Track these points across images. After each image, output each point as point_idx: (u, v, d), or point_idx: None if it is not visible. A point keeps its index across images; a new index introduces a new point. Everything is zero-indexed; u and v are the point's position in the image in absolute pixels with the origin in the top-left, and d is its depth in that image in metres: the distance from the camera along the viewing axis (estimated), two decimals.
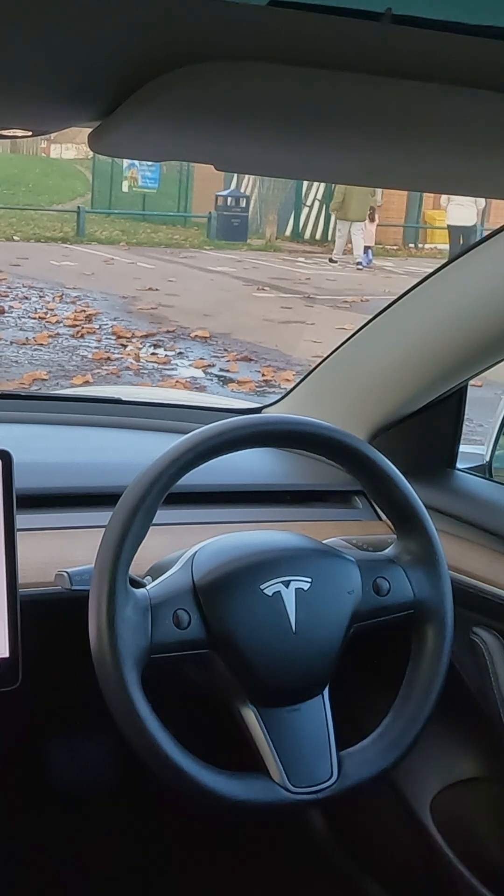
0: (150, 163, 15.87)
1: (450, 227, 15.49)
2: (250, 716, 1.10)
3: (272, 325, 8.95)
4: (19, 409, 1.67)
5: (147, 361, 7.22)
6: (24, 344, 7.55)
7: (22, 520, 1.17)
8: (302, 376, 1.72)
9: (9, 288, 10.28)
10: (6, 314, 8.81)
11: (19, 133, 0.82)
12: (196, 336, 8.19)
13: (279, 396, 1.77)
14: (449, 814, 1.46)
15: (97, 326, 8.42)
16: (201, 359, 7.41)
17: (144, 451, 1.16)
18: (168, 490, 1.08)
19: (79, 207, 16.94)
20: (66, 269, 12.08)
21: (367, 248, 15.51)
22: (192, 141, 0.77)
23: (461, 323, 1.39)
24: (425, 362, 1.45)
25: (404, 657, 1.18)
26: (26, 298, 9.70)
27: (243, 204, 17.06)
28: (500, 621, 1.33)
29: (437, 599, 1.18)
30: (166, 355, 7.47)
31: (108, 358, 7.24)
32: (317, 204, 18.31)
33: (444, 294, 1.41)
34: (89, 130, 0.74)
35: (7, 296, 9.83)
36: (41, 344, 7.57)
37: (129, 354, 7.42)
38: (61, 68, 0.61)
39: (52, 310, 9.13)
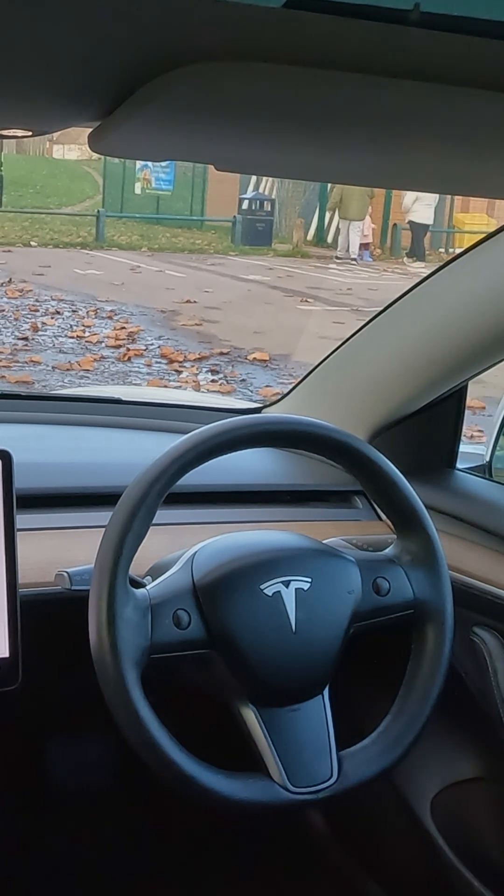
0: (164, 164, 15.46)
1: (413, 224, 15.54)
2: (250, 716, 1.10)
3: (331, 344, 8.01)
4: (19, 409, 1.67)
5: (210, 391, 6.33)
6: (67, 370, 6.77)
7: (22, 520, 1.17)
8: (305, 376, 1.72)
9: (37, 301, 9.50)
10: (40, 332, 8.04)
11: (19, 133, 0.82)
12: (255, 359, 7.42)
13: (280, 396, 1.77)
14: (449, 814, 1.46)
15: (143, 348, 7.63)
16: (268, 386, 6.65)
17: (144, 451, 1.16)
18: (168, 490, 1.08)
19: (98, 211, 16.45)
20: (91, 278, 11.43)
21: (363, 246, 15.44)
22: (193, 141, 0.77)
23: (461, 323, 1.39)
24: (425, 362, 1.45)
25: (404, 657, 1.18)
26: (58, 313, 8.95)
27: (268, 207, 16.46)
28: (500, 621, 1.33)
29: (437, 599, 1.18)
30: (229, 383, 6.71)
31: (166, 387, 6.39)
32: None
33: (444, 294, 1.41)
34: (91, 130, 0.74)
35: (37, 310, 9.04)
36: (87, 370, 6.81)
37: (186, 382, 6.68)
38: (61, 68, 0.61)
39: (89, 327, 8.38)
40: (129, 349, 7.51)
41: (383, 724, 1.16)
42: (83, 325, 8.42)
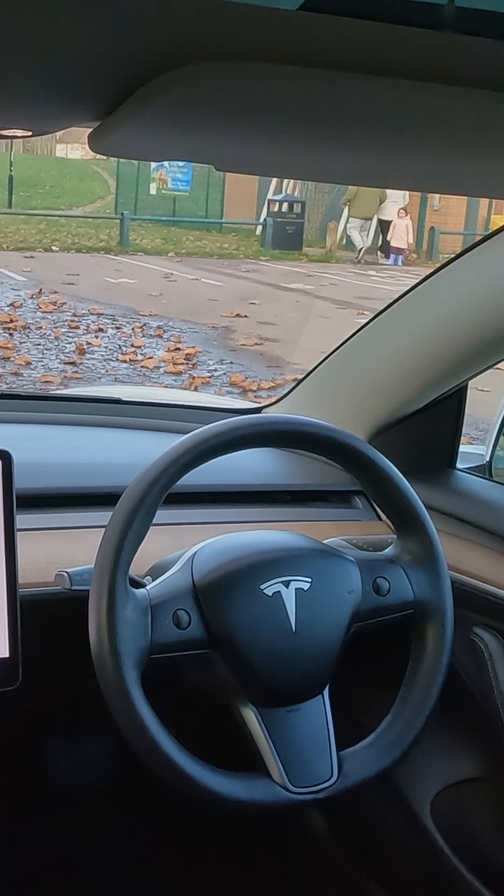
0: (181, 163, 14.98)
1: (382, 223, 15.38)
2: (250, 716, 1.10)
3: None
4: (19, 409, 1.67)
5: None
6: None
7: (22, 520, 1.17)
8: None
9: (75, 316, 8.67)
10: (87, 354, 7.22)
11: (19, 133, 0.82)
12: None
13: (279, 396, 1.77)
14: (449, 814, 1.46)
15: (208, 375, 6.83)
16: None
17: (144, 451, 1.16)
18: (168, 490, 1.08)
19: (122, 213, 15.79)
20: (125, 287, 10.71)
21: (397, 251, 15.02)
22: (193, 141, 0.77)
23: (461, 323, 1.39)
24: (425, 362, 1.45)
25: (404, 657, 1.18)
26: (101, 331, 8.11)
27: (297, 210, 15.81)
28: (500, 621, 1.33)
29: (437, 599, 1.18)
30: None
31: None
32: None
33: (444, 294, 1.41)
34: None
35: (78, 327, 8.19)
36: None
37: None
38: (61, 68, 0.61)
39: (139, 347, 7.54)
40: (193, 377, 6.74)
41: (383, 724, 1.16)
42: (133, 346, 7.63)
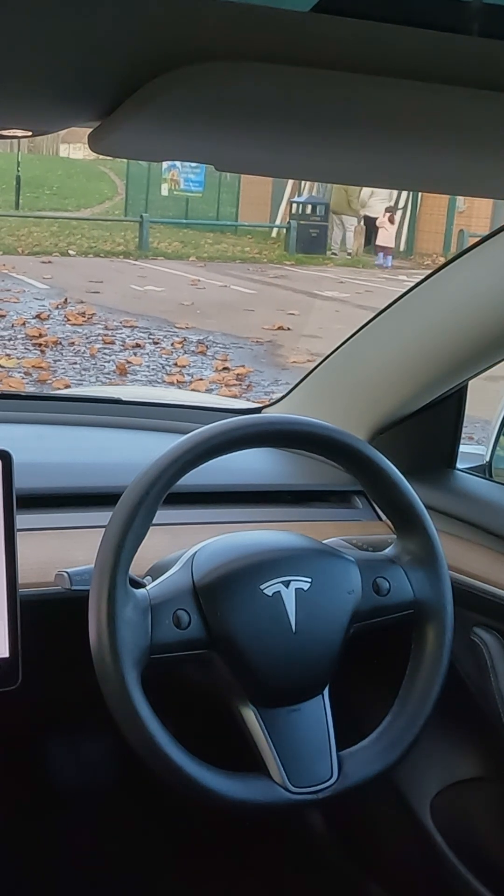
0: (193, 164, 14.67)
1: (367, 219, 15.26)
2: (250, 716, 1.10)
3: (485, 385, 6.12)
4: (19, 409, 1.67)
5: None
6: None
7: (22, 520, 1.17)
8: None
9: (107, 329, 7.99)
10: (129, 374, 6.56)
11: (19, 133, 0.82)
12: None
13: (279, 396, 1.77)
14: (449, 814, 1.46)
15: (266, 399, 5.92)
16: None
17: (144, 451, 1.16)
18: (168, 490, 1.08)
19: (142, 216, 15.17)
20: (153, 296, 10.07)
21: (385, 250, 14.86)
22: (193, 141, 0.77)
23: (461, 323, 1.39)
24: (425, 362, 1.45)
25: (404, 657, 1.18)
26: (139, 346, 7.44)
27: (321, 212, 15.35)
28: (500, 621, 1.33)
29: (437, 599, 1.18)
30: None
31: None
32: (398, 213, 15.48)
33: (443, 294, 1.41)
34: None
35: (113, 342, 7.51)
36: None
37: None
38: (61, 68, 0.61)
39: (184, 367, 6.88)
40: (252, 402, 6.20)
41: (383, 724, 1.16)
42: (177, 365, 6.97)
